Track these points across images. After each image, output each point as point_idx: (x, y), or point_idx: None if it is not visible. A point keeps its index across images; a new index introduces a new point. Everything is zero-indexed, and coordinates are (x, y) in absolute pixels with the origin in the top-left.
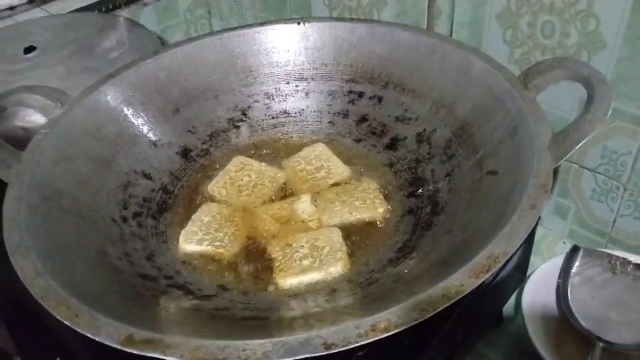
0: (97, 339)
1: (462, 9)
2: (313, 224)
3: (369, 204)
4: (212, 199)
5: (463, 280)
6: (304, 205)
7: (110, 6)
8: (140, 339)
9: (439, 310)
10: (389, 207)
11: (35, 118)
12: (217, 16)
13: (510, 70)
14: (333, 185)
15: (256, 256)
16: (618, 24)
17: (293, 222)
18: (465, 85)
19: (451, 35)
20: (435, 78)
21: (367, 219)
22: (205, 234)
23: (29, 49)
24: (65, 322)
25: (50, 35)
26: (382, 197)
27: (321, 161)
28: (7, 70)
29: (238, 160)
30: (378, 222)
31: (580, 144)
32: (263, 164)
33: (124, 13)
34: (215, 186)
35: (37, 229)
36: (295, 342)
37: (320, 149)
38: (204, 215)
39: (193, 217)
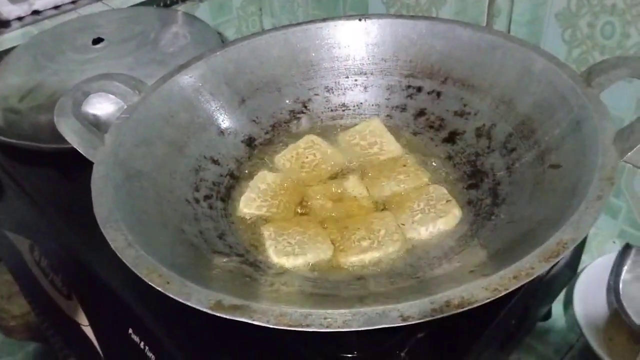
0: (188, 304)
1: (522, 8)
2: (364, 201)
3: (412, 176)
4: (275, 169)
5: (533, 263)
6: (352, 184)
7: (168, 2)
8: (228, 304)
9: (509, 290)
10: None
11: (104, 105)
12: (268, 13)
13: (572, 68)
14: (384, 161)
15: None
16: None
17: (344, 200)
18: (526, 82)
19: (509, 33)
20: (496, 75)
21: (413, 187)
22: (263, 201)
23: (96, 41)
24: (157, 288)
25: (116, 28)
26: (423, 168)
27: (375, 137)
28: (78, 59)
29: (309, 138)
30: None
31: None
32: (331, 146)
33: (181, 8)
34: (282, 157)
35: (123, 205)
36: (373, 313)
37: (375, 124)
38: (260, 182)
39: (250, 184)
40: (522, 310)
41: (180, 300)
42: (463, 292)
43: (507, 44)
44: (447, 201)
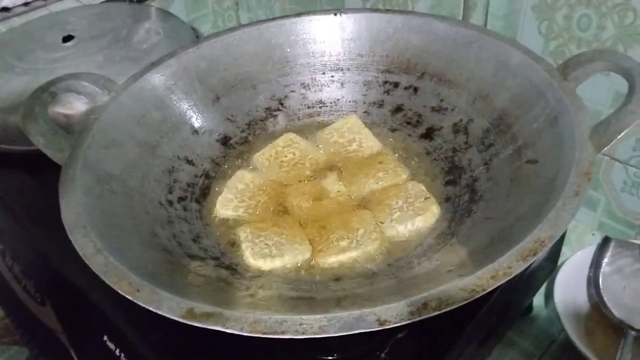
0: (159, 313)
1: (498, 1)
2: (343, 198)
3: (391, 173)
4: (254, 168)
5: (510, 263)
6: (330, 182)
7: None
8: (201, 312)
9: (487, 291)
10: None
11: (76, 105)
12: (245, 8)
13: (549, 62)
14: (363, 158)
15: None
16: None
17: (323, 199)
18: (503, 76)
19: (485, 26)
20: (472, 69)
21: (391, 184)
22: (240, 201)
23: (67, 38)
24: (127, 296)
25: (87, 25)
26: (402, 165)
27: (353, 134)
28: (48, 58)
29: (288, 136)
30: None
31: (621, 134)
32: (310, 144)
33: (154, 4)
34: (260, 156)
35: (92, 209)
36: (349, 318)
37: (353, 120)
38: (238, 182)
39: (228, 183)
40: (502, 306)
41: (151, 309)
42: (440, 294)
43: (483, 38)
44: (426, 198)
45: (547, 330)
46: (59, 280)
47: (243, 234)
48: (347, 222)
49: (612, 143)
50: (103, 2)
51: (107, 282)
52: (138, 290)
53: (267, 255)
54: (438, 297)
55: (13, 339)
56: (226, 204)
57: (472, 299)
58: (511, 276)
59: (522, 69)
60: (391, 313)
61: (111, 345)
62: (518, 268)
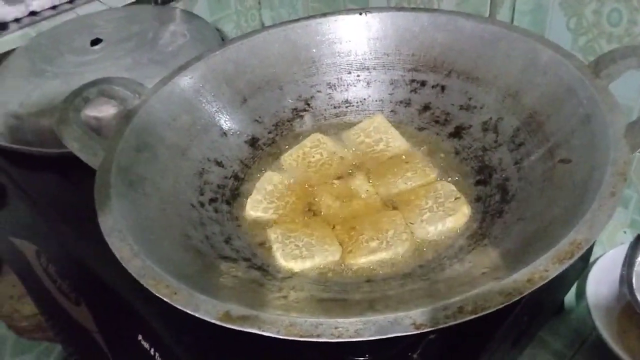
0: (197, 315)
1: None
2: (371, 199)
3: (420, 172)
4: (282, 169)
5: (547, 265)
6: (359, 183)
7: None
8: (237, 315)
9: (524, 294)
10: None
11: (106, 108)
12: (267, 7)
13: (579, 58)
14: (390, 158)
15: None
16: None
17: (352, 199)
18: (532, 73)
19: (512, 23)
20: (501, 66)
21: (421, 184)
22: (269, 202)
23: (95, 42)
24: (164, 299)
25: (114, 28)
26: (430, 164)
27: (380, 133)
28: (77, 61)
29: (316, 137)
30: None
31: None
32: (337, 145)
33: (179, 5)
34: (288, 157)
35: (127, 213)
36: (385, 321)
37: (379, 120)
38: (266, 183)
39: (257, 185)
40: (535, 305)
41: (189, 312)
42: (476, 298)
43: (510, 35)
44: (456, 198)
45: (578, 329)
46: (93, 280)
47: (273, 235)
48: (377, 223)
49: None
50: (128, 4)
51: (145, 285)
52: (175, 293)
53: (297, 257)
54: (474, 301)
55: (44, 334)
56: (256, 205)
57: (509, 302)
58: (548, 279)
59: (551, 67)
60: (427, 317)
61: (146, 345)
62: (555, 271)
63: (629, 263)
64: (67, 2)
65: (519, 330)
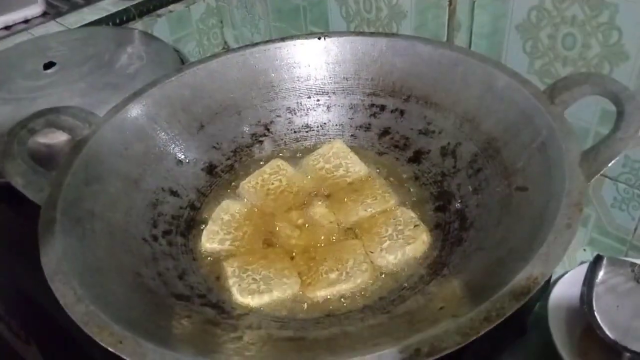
0: None
1: (482, 21)
2: (331, 227)
3: (379, 199)
4: (240, 196)
5: (504, 302)
6: (318, 211)
7: (125, 18)
8: None
9: (481, 333)
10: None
11: (58, 135)
12: (229, 25)
13: (535, 85)
14: (350, 183)
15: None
16: None
17: (311, 228)
18: (489, 99)
19: (470, 46)
20: (458, 92)
21: (380, 211)
22: (226, 233)
23: (48, 65)
24: (109, 348)
25: (68, 51)
26: (390, 190)
27: (339, 159)
28: (29, 86)
29: (275, 163)
30: None
31: (612, 162)
32: (297, 171)
33: (138, 25)
34: (247, 184)
35: (73, 253)
36: None
37: (338, 145)
38: (223, 213)
39: (213, 215)
40: (497, 330)
41: None
42: (433, 339)
43: (468, 60)
44: (415, 226)
45: (541, 351)
46: (44, 319)
47: (230, 268)
48: (337, 252)
49: (602, 171)
50: (86, 24)
51: (88, 333)
52: (120, 342)
53: (255, 292)
54: (431, 343)
55: None
56: (212, 237)
57: (466, 342)
58: (505, 317)
59: (508, 93)
60: None
61: None
62: (511, 308)
63: (588, 283)
64: (21, 22)
65: (483, 356)
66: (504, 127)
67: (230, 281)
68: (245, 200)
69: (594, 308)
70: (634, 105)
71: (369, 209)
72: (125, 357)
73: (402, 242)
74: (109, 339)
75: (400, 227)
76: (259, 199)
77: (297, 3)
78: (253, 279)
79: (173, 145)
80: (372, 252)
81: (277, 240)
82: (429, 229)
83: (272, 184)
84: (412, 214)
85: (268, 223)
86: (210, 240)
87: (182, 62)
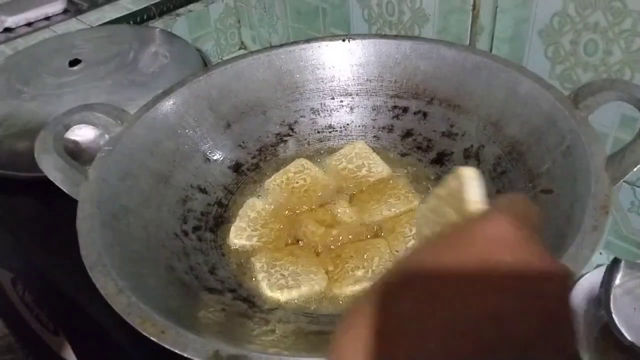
0: (185, 355)
1: (504, 25)
2: (356, 226)
3: (403, 199)
4: (266, 194)
5: None
6: (342, 210)
7: (145, 16)
8: (227, 355)
9: None
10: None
11: (85, 132)
12: (247, 26)
13: (559, 90)
14: (373, 184)
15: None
16: None
17: (336, 226)
18: (513, 103)
19: (491, 50)
20: (482, 95)
21: (404, 211)
22: (253, 230)
23: (73, 62)
24: (152, 338)
25: (93, 48)
26: (413, 191)
27: (362, 159)
28: (56, 83)
29: (300, 162)
30: None
31: (638, 166)
32: (321, 171)
33: (158, 23)
34: (272, 182)
35: (110, 246)
36: None
37: (360, 146)
38: (249, 210)
39: (240, 212)
40: None
41: (177, 351)
42: None
43: (491, 64)
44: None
45: None
46: (73, 310)
47: (258, 263)
48: (362, 251)
49: (627, 175)
50: (106, 23)
51: (132, 324)
52: (163, 332)
53: (284, 287)
54: None
55: (14, 356)
56: (240, 233)
57: None
58: None
59: (532, 97)
60: None
61: None
62: None
63: (606, 286)
64: (43, 19)
65: None
66: (528, 131)
67: (259, 276)
68: (271, 198)
69: (612, 310)
70: None
71: (393, 209)
72: (167, 347)
73: None
74: (152, 329)
75: None
76: (284, 197)
77: (316, 4)
78: (281, 274)
79: (201, 144)
80: (397, 252)
81: (302, 237)
82: None
83: (297, 182)
84: None
85: (293, 221)
86: (238, 236)
87: (204, 61)
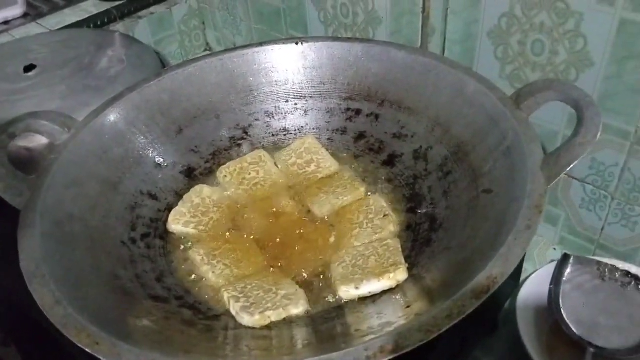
0: None
1: (455, 27)
2: (300, 217)
3: (350, 188)
4: (216, 180)
5: (464, 301)
6: (285, 201)
7: (106, 19)
8: None
9: (443, 330)
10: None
11: (38, 139)
12: (211, 27)
13: (503, 91)
14: (322, 179)
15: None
16: (604, 44)
17: (282, 217)
18: (460, 104)
19: (444, 52)
20: (431, 97)
21: (352, 200)
22: (193, 216)
23: (29, 68)
24: (87, 349)
25: (49, 53)
26: (359, 180)
27: (311, 154)
28: (9, 89)
29: (258, 153)
30: None
31: (571, 166)
32: (276, 167)
33: (119, 26)
34: (225, 169)
35: (52, 256)
36: None
37: (310, 141)
38: (194, 196)
39: (185, 196)
40: (468, 325)
41: None
42: (397, 337)
43: (439, 66)
44: (385, 215)
45: (512, 347)
46: (23, 319)
47: (198, 256)
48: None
49: (561, 174)
50: (66, 26)
51: (67, 335)
52: (97, 343)
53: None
54: (395, 341)
55: None
56: (178, 218)
57: (428, 339)
58: (465, 314)
59: (477, 98)
60: (348, 358)
61: None
62: (472, 306)
63: (556, 281)
64: (1, 23)
65: (454, 352)
66: (473, 132)
67: (203, 269)
68: (220, 186)
69: (561, 305)
70: (593, 111)
71: (341, 197)
72: (102, 358)
73: (370, 231)
74: (86, 340)
75: (370, 216)
76: (233, 186)
77: (277, 6)
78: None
79: (152, 149)
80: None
81: (242, 228)
82: (400, 230)
83: (249, 173)
84: (384, 203)
85: (235, 212)
86: (176, 221)
87: (163, 64)
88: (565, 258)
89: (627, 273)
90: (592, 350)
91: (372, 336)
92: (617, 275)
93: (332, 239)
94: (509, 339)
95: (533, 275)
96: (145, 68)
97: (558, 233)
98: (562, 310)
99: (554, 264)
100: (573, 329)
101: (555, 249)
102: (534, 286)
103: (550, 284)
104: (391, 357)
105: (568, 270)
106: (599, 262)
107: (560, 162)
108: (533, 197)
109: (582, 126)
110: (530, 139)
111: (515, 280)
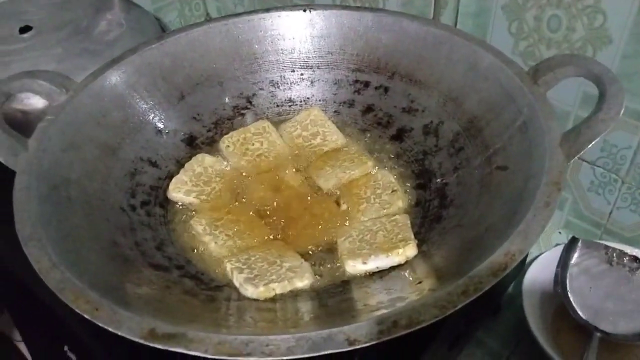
0: (118, 333)
1: (468, 0)
2: (304, 189)
3: (357, 162)
4: (219, 149)
5: (481, 277)
6: (289, 173)
7: None
8: (162, 333)
9: (458, 307)
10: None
11: (33, 101)
12: None
13: (519, 64)
14: (327, 152)
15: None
16: (625, 21)
17: (285, 190)
18: (473, 78)
19: (456, 25)
20: (443, 70)
21: (359, 175)
22: (194, 185)
23: (24, 29)
24: (84, 315)
25: (46, 15)
26: (366, 153)
27: (317, 127)
28: (4, 50)
29: (262, 124)
30: None
31: (592, 143)
32: (280, 139)
33: None
34: (228, 139)
35: (48, 220)
36: (318, 337)
37: (316, 113)
38: (196, 165)
39: (186, 165)
40: (472, 307)
41: (110, 330)
42: (411, 312)
43: (453, 39)
44: (393, 191)
45: (515, 329)
46: (18, 288)
47: (199, 226)
48: (310, 211)
49: (582, 152)
50: None
51: (64, 300)
52: (96, 309)
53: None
54: (408, 316)
55: None
56: (179, 186)
57: (443, 315)
58: (482, 291)
59: (492, 72)
60: (361, 332)
61: (72, 356)
62: (489, 283)
63: (563, 264)
64: None
65: (457, 333)
66: (487, 107)
67: (205, 239)
68: (221, 156)
69: (568, 289)
70: (616, 87)
71: (348, 171)
72: (101, 325)
73: (378, 207)
74: (85, 306)
75: (378, 191)
76: (235, 157)
77: None
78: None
79: (152, 115)
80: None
81: (244, 199)
82: (409, 206)
83: (253, 144)
84: (392, 178)
85: (238, 183)
86: (177, 189)
87: (163, 30)
88: (573, 241)
89: (635, 258)
90: (598, 334)
91: (384, 310)
92: (625, 260)
93: (338, 213)
94: (512, 321)
95: (539, 258)
96: (145, 33)
97: (564, 216)
98: (568, 294)
99: (560, 248)
100: (579, 312)
101: (560, 232)
102: (540, 269)
103: (557, 267)
104: (404, 332)
105: (575, 254)
106: (606, 247)
107: (581, 138)
108: (552, 174)
109: (604, 102)
110: (548, 115)
111: (520, 262)
